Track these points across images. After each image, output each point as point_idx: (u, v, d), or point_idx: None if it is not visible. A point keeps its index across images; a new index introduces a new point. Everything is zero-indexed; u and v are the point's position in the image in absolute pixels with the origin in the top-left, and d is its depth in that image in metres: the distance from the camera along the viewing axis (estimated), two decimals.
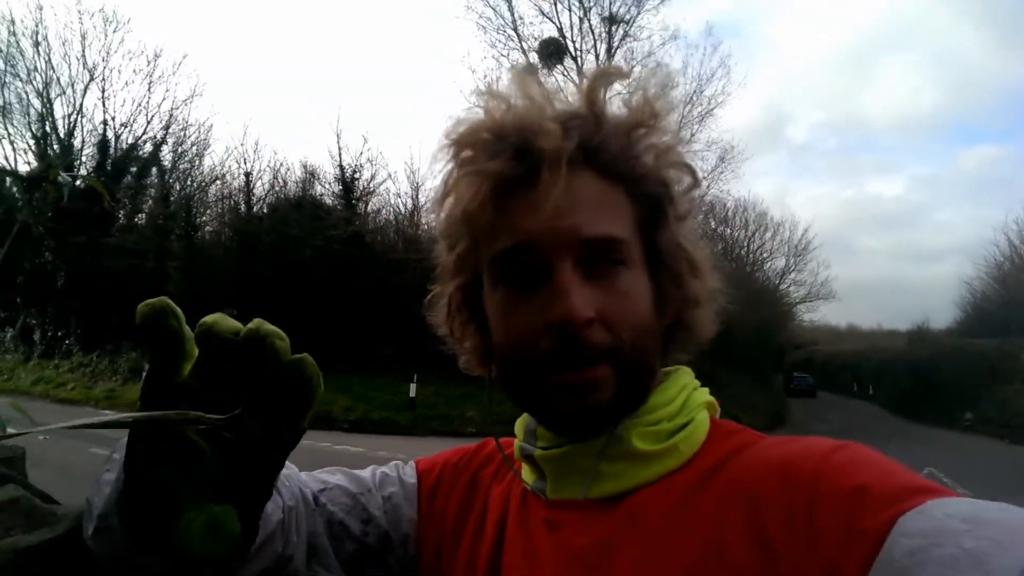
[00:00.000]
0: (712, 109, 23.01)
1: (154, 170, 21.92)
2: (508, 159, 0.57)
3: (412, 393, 14.97)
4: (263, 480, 0.44)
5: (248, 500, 0.44)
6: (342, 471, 0.75)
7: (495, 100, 0.61)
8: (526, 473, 0.67)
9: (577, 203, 0.57)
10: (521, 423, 0.68)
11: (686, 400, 0.62)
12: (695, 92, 22.81)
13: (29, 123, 20.98)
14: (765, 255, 39.77)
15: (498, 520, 0.66)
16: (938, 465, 12.47)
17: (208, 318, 0.42)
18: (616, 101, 0.62)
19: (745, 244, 38.04)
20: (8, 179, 19.73)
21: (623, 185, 0.59)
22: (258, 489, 0.45)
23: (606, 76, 0.61)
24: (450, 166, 0.62)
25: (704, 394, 0.64)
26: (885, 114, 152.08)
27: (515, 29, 22.47)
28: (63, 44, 22.93)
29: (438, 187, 0.64)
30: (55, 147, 20.85)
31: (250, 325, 0.42)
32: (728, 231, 35.22)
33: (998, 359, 25.58)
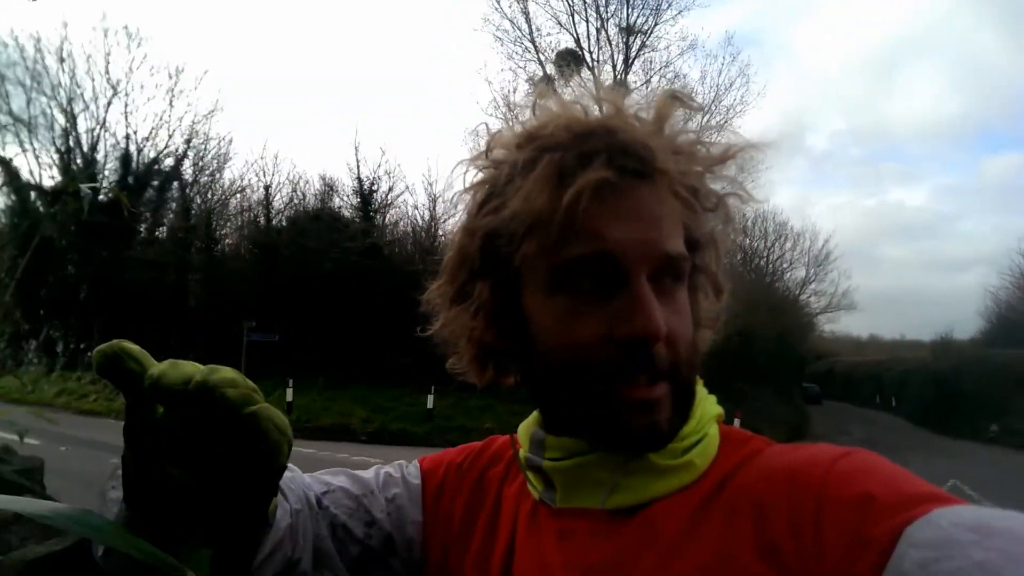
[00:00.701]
0: (731, 119, 22.89)
1: (175, 184, 22.32)
2: (603, 164, 0.55)
3: (430, 404, 14.99)
4: (249, 516, 0.44)
5: (236, 536, 0.44)
6: (345, 472, 0.75)
7: (584, 99, 0.60)
8: (532, 482, 0.66)
9: (660, 218, 0.56)
10: (525, 433, 0.67)
11: (700, 415, 0.61)
12: (713, 102, 22.78)
13: (53, 138, 21.52)
14: (785, 265, 39.54)
15: (510, 526, 0.66)
16: (963, 478, 12.26)
17: (155, 369, 0.40)
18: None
19: (764, 254, 37.87)
20: (32, 193, 20.12)
21: (681, 203, 0.59)
22: (245, 526, 0.44)
23: (678, 99, 0.60)
24: (519, 160, 0.59)
25: (713, 405, 0.64)
26: (908, 122, 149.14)
27: (532, 41, 22.62)
28: (87, 60, 23.77)
29: (493, 177, 0.62)
30: (78, 161, 21.26)
31: (197, 376, 0.39)
32: (747, 241, 35.01)
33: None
